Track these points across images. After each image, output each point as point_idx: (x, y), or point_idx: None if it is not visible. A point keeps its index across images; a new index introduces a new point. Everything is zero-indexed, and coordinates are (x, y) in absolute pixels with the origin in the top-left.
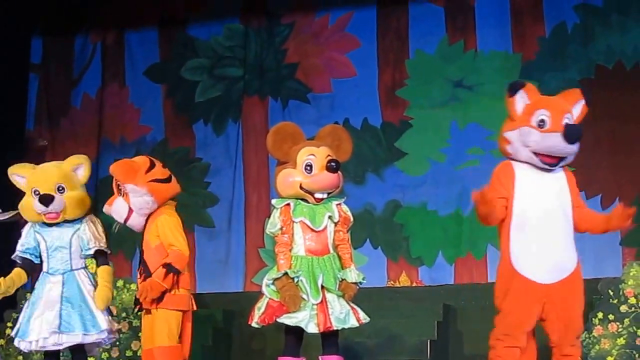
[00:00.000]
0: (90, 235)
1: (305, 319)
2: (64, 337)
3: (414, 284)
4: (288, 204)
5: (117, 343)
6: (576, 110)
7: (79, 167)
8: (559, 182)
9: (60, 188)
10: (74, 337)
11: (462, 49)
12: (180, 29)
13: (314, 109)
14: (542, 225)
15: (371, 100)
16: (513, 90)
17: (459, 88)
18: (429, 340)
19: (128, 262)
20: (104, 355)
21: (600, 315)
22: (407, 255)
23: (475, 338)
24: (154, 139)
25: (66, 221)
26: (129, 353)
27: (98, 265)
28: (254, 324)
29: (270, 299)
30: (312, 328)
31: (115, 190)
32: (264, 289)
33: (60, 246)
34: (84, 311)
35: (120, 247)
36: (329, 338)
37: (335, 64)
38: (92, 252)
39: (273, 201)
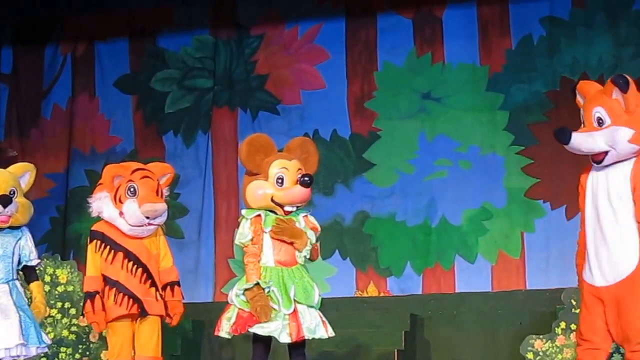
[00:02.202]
0: (31, 246)
1: (278, 329)
2: (24, 349)
3: (382, 294)
4: (259, 215)
5: (87, 353)
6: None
7: (24, 175)
8: (609, 179)
9: (12, 192)
10: (32, 350)
11: (430, 61)
12: (150, 40)
13: (284, 120)
14: (591, 227)
15: (340, 111)
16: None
17: (427, 100)
18: (396, 350)
19: None
20: None
21: (562, 325)
22: (375, 266)
23: (442, 347)
24: (124, 150)
25: (10, 228)
26: None
27: (31, 279)
28: (223, 334)
29: (240, 309)
30: (284, 338)
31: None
32: (234, 299)
33: (4, 255)
34: (35, 323)
35: None
36: (297, 347)
37: (305, 75)
38: (34, 263)
39: (243, 211)
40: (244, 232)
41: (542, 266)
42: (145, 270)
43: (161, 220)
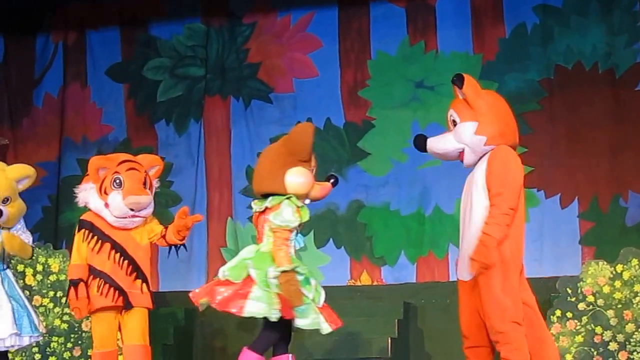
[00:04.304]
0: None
1: (318, 320)
2: (17, 339)
3: (375, 283)
4: (303, 206)
5: (79, 342)
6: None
7: (23, 179)
8: (475, 177)
9: (6, 199)
10: (25, 339)
11: (423, 49)
12: (141, 28)
13: (277, 109)
14: (460, 225)
15: (333, 100)
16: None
17: (420, 88)
18: (389, 338)
19: None
20: (66, 354)
21: (558, 313)
22: (370, 255)
23: (435, 336)
24: (116, 139)
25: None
26: (91, 352)
27: None
28: (275, 316)
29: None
30: (327, 328)
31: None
32: (272, 280)
33: None
34: (28, 312)
35: None
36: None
37: (298, 64)
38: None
39: (289, 196)
40: (291, 218)
41: (537, 255)
42: (132, 262)
43: (147, 212)
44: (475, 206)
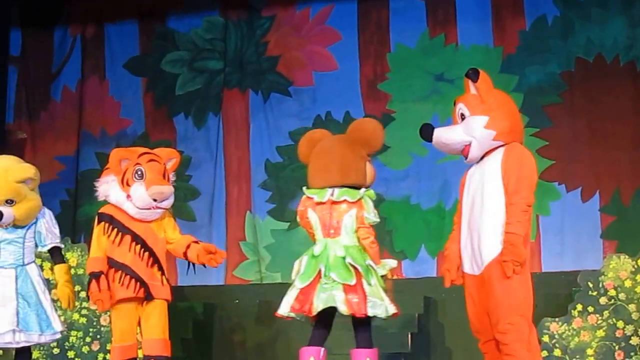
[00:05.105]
0: (46, 230)
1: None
2: (21, 335)
3: (395, 277)
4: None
5: (98, 336)
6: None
7: (26, 181)
8: (484, 173)
9: (9, 201)
10: (31, 337)
11: (443, 42)
12: (159, 21)
13: (296, 102)
14: (465, 222)
15: (353, 93)
16: None
17: (440, 82)
18: (409, 333)
19: None
20: (84, 349)
21: (579, 307)
22: (390, 249)
23: (456, 330)
24: (135, 132)
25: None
26: (109, 346)
27: (55, 262)
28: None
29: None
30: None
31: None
32: (380, 281)
33: (14, 240)
34: (39, 311)
35: None
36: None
37: (317, 57)
38: (48, 248)
39: (371, 192)
40: (376, 212)
41: (558, 249)
42: (152, 254)
43: (168, 203)
44: (488, 202)
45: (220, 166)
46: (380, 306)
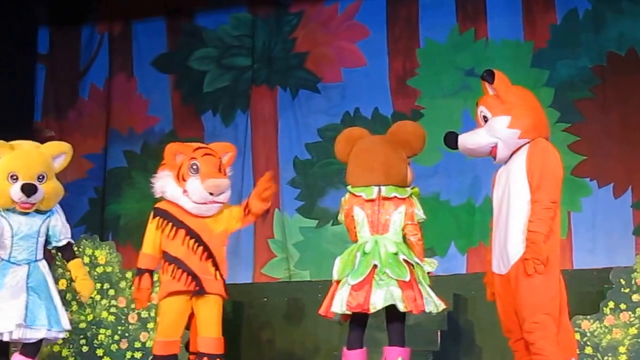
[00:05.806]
0: (61, 226)
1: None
2: (28, 331)
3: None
4: None
5: (126, 334)
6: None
7: (59, 156)
8: (510, 171)
9: (41, 177)
10: (38, 332)
11: (473, 37)
12: (187, 18)
13: (324, 98)
14: (495, 221)
15: (382, 89)
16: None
17: (470, 77)
18: (439, 331)
19: (137, 253)
20: (113, 347)
21: (611, 304)
22: None
23: (486, 328)
24: (162, 130)
25: (37, 211)
26: (137, 344)
27: (69, 258)
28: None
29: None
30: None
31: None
32: (426, 278)
33: (28, 235)
34: (49, 305)
35: (129, 238)
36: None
37: (345, 53)
38: (63, 243)
39: (417, 190)
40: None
41: (589, 246)
42: (206, 249)
43: (225, 197)
44: (514, 200)
45: (249, 163)
46: (432, 302)
